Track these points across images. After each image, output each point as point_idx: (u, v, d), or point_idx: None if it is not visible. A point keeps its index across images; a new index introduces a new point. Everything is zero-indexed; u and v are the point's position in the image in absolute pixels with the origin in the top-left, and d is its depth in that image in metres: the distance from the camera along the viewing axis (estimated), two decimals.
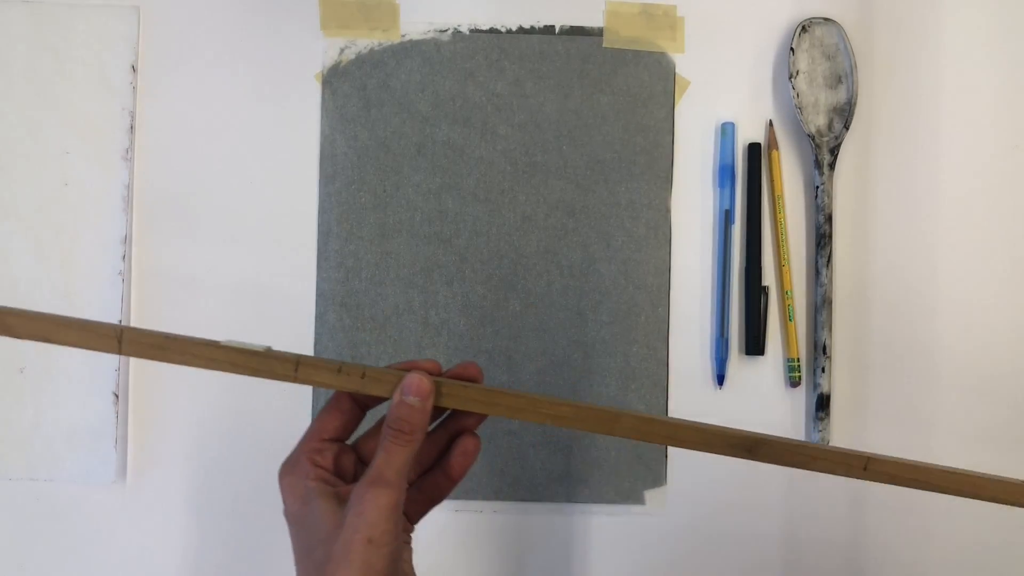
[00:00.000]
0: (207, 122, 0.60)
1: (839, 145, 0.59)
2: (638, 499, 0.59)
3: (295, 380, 0.38)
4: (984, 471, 0.41)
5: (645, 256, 0.60)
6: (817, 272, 0.59)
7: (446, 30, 0.60)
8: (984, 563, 0.59)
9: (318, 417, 0.41)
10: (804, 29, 0.59)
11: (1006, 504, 0.40)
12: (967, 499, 0.40)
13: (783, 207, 0.59)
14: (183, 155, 0.59)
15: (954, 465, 0.41)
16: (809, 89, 0.59)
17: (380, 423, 0.41)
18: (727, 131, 0.59)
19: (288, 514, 0.39)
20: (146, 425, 0.59)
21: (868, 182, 0.60)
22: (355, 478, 0.40)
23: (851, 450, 0.40)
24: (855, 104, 0.59)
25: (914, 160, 0.60)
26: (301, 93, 0.60)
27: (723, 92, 0.60)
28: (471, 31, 0.60)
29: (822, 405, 0.58)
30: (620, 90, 0.60)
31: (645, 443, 0.59)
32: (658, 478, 0.59)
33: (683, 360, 0.59)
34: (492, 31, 0.60)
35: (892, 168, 0.60)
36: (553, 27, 0.60)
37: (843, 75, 0.59)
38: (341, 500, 0.38)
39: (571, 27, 0.60)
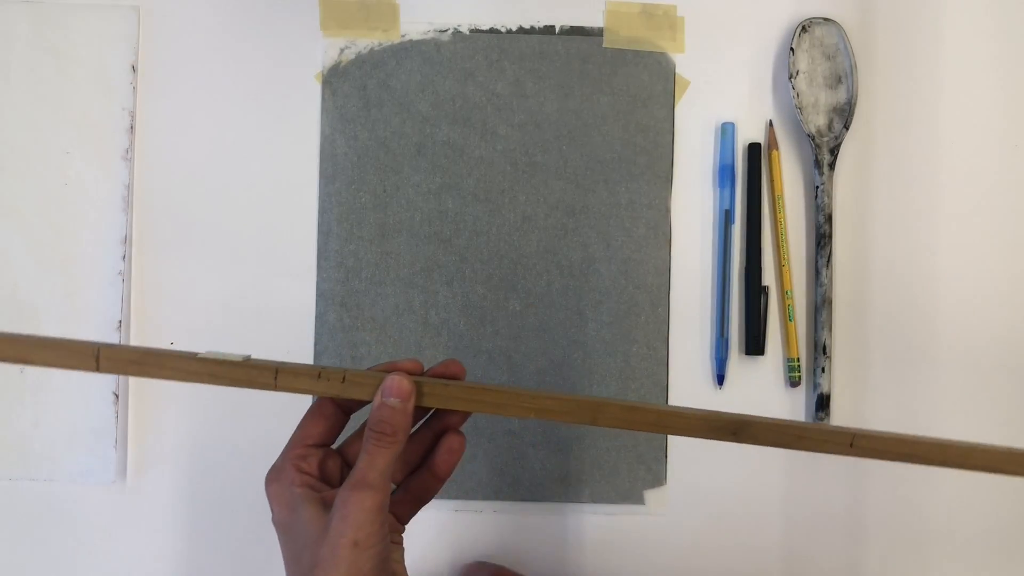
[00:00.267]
0: (207, 122, 0.60)
1: (839, 145, 0.59)
2: (638, 499, 0.59)
3: (275, 388, 0.38)
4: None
5: (645, 256, 0.60)
6: (817, 272, 0.59)
7: (446, 30, 0.60)
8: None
9: (302, 423, 0.41)
10: (804, 29, 0.59)
11: (993, 472, 0.40)
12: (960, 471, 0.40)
13: (783, 207, 0.59)
14: (183, 155, 0.59)
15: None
16: (809, 89, 0.59)
17: (364, 426, 0.41)
18: (727, 131, 0.59)
19: (276, 522, 0.39)
20: (146, 425, 0.59)
21: (868, 182, 0.60)
22: (341, 482, 0.40)
23: (837, 427, 0.40)
24: (855, 104, 0.59)
25: (914, 160, 0.60)
26: (301, 93, 0.60)
27: (723, 92, 0.60)
28: (471, 31, 0.60)
29: (822, 405, 0.58)
30: (620, 90, 0.60)
31: (645, 443, 0.59)
32: (658, 478, 0.59)
33: (683, 360, 0.59)
34: (492, 31, 0.60)
35: (892, 168, 0.60)
36: (553, 27, 0.60)
37: (843, 75, 0.59)
38: (327, 505, 0.38)
39: (571, 27, 0.60)
